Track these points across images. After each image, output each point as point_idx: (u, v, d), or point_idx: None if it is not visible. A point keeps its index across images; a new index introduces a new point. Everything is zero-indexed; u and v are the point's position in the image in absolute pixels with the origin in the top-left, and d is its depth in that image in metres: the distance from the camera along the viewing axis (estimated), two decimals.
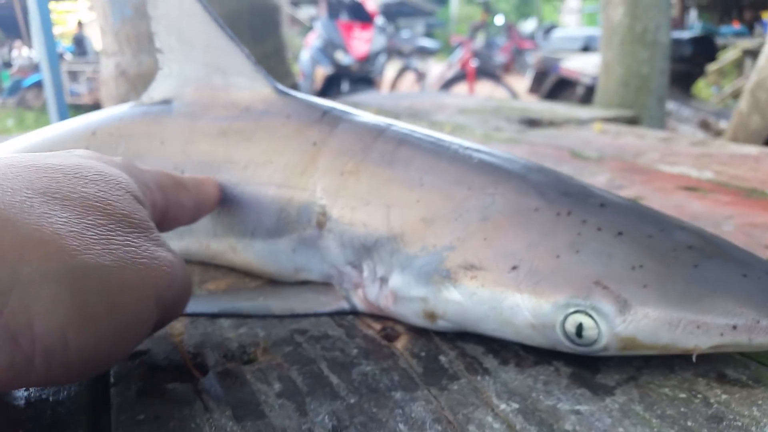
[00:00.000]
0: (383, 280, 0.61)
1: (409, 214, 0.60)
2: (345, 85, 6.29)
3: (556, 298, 0.51)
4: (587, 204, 0.55)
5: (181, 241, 0.78)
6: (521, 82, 7.43)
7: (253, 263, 0.73)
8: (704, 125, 4.15)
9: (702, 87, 6.95)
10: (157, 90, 0.80)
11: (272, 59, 3.54)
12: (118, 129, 0.80)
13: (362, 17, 6.72)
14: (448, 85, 6.92)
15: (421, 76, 8.12)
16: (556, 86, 4.99)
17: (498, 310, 0.53)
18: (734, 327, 0.46)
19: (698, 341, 0.47)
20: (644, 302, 0.48)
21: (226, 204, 0.71)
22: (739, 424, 0.45)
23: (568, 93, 4.65)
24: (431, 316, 0.58)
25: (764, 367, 0.52)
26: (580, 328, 0.50)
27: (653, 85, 2.68)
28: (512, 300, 0.52)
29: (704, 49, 4.46)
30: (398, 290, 0.59)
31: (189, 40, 0.76)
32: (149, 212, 0.49)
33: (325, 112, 0.70)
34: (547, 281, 0.51)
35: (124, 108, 0.84)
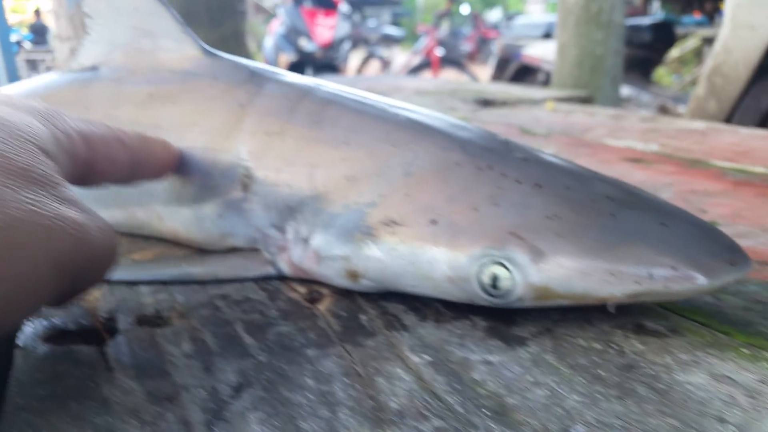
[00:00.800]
0: (306, 241, 0.59)
1: (333, 173, 0.58)
2: (309, 73, 6.24)
3: (471, 250, 0.49)
4: (508, 158, 0.54)
5: (107, 211, 0.75)
6: (486, 71, 7.45)
7: (180, 231, 0.71)
8: (663, 110, 4.19)
9: (663, 75, 7.04)
10: (86, 56, 0.77)
11: (231, 43, 3.49)
12: (44, 97, 0.77)
13: (326, 4, 6.65)
14: (413, 72, 6.91)
15: (386, 64, 8.10)
16: (519, 73, 5.00)
17: (417, 265, 0.52)
18: (650, 275, 0.45)
19: (613, 290, 0.46)
20: (558, 251, 0.47)
21: None
22: (651, 371, 0.44)
23: (530, 80, 4.66)
24: (353, 275, 0.56)
25: (683, 318, 0.52)
26: (495, 279, 0.49)
27: (607, 65, 2.69)
28: (430, 254, 0.51)
29: (663, 35, 4.51)
30: (320, 250, 0.57)
31: (116, 4, 0.73)
32: (66, 165, 0.44)
33: (253, 73, 0.68)
34: (464, 234, 0.50)
35: (51, 76, 0.81)
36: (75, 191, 0.44)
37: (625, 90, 4.36)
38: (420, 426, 0.39)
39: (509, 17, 6.45)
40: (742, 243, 0.69)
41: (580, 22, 2.65)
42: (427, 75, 6.92)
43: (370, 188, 0.55)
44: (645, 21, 4.52)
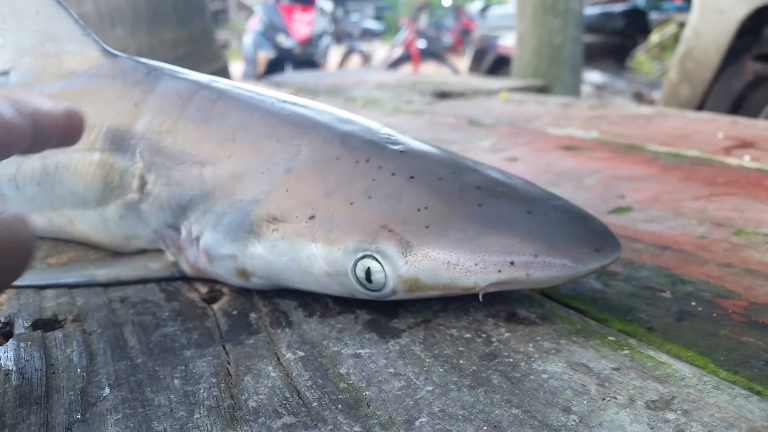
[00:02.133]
0: (198, 240, 0.59)
1: (221, 170, 0.58)
2: (288, 69, 6.21)
3: (345, 244, 0.49)
4: (386, 150, 0.54)
5: None
6: (467, 63, 7.43)
7: (89, 234, 0.71)
8: (638, 96, 4.20)
9: (644, 62, 7.05)
10: None
11: (200, 42, 3.46)
12: None
13: (303, 0, 6.63)
14: (393, 66, 6.89)
15: (366, 58, 8.08)
16: (495, 64, 5.00)
17: (297, 261, 0.52)
18: (511, 263, 0.45)
19: (477, 279, 0.46)
20: (424, 243, 0.47)
21: (59, 174, 0.68)
22: (511, 360, 0.44)
23: (507, 70, 4.65)
24: (243, 273, 0.56)
25: (561, 305, 0.52)
26: (368, 272, 0.49)
27: (566, 54, 2.69)
28: (308, 249, 0.51)
29: (636, 21, 4.51)
30: (210, 249, 0.57)
31: (20, 9, 0.73)
32: None
33: (149, 71, 0.68)
34: (339, 228, 0.50)
35: None
36: None
37: (600, 77, 4.36)
38: (271, 423, 0.40)
39: (484, 8, 6.42)
40: (651, 227, 0.70)
41: (538, 11, 2.65)
42: (407, 68, 6.91)
43: (254, 185, 0.55)
44: (617, 8, 4.52)
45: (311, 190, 0.53)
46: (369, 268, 0.49)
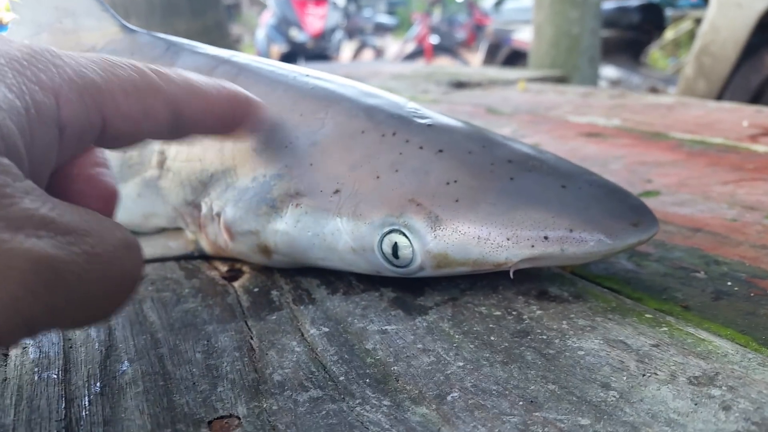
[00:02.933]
0: (219, 217, 0.58)
1: (242, 145, 0.57)
2: (301, 63, 6.20)
3: (372, 219, 0.48)
4: (413, 124, 0.52)
5: None
6: (480, 58, 7.39)
7: None
8: (653, 92, 4.15)
9: (659, 58, 7.00)
10: (14, 38, 0.76)
11: (213, 33, 3.46)
12: None
13: None
14: (406, 60, 6.87)
15: (379, 53, 8.06)
16: (510, 58, 4.96)
17: (321, 237, 0.51)
18: (546, 238, 0.44)
19: (508, 254, 0.44)
20: (454, 217, 0.45)
21: None
22: (544, 337, 0.43)
23: (522, 64, 4.62)
24: (265, 250, 0.55)
25: (593, 284, 0.51)
26: (395, 248, 0.47)
27: (584, 45, 2.65)
28: (333, 224, 0.50)
29: (652, 16, 4.46)
30: (232, 225, 0.56)
31: None
32: (46, 143, 0.29)
33: (168, 47, 0.66)
34: (366, 202, 0.49)
35: None
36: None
37: (615, 72, 4.33)
38: (297, 396, 0.38)
39: (498, 2, 6.38)
40: (681, 210, 0.68)
41: (556, 2, 2.61)
42: (420, 63, 6.88)
43: (277, 159, 0.54)
44: (633, 3, 4.48)
45: (336, 164, 0.51)
46: (396, 243, 0.47)
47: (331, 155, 0.52)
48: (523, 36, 4.77)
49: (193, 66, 0.63)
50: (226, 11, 3.55)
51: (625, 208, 0.45)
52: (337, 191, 0.50)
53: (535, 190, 0.46)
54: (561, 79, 2.02)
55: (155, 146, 0.62)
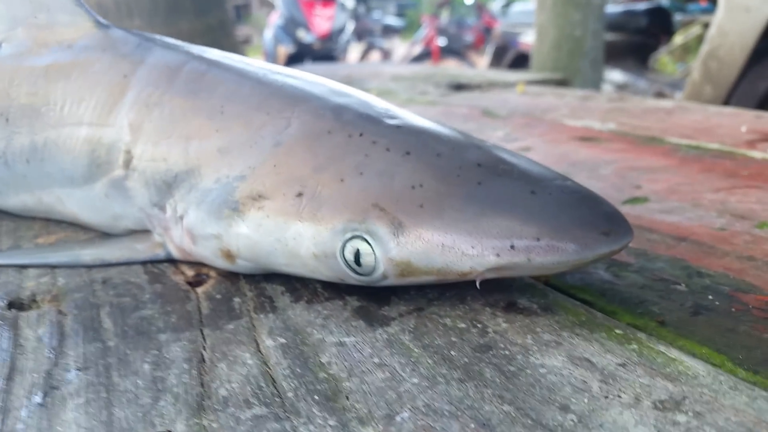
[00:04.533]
0: (182, 219, 0.56)
1: (207, 145, 0.55)
2: (308, 64, 6.18)
3: (334, 224, 0.46)
4: (382, 125, 0.50)
5: (17, 196, 0.73)
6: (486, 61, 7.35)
7: (78, 214, 0.68)
8: (659, 96, 4.10)
9: (667, 63, 6.95)
10: None
11: (217, 32, 3.45)
12: None
13: None
14: (414, 62, 6.83)
15: (386, 55, 8.03)
16: (516, 61, 4.93)
17: (283, 242, 0.49)
18: (512, 247, 0.41)
19: (473, 263, 0.42)
20: (418, 223, 0.43)
21: (48, 151, 0.66)
22: (506, 353, 0.40)
23: (528, 68, 4.59)
24: (228, 255, 0.53)
25: (564, 296, 0.48)
26: (357, 254, 0.45)
27: (586, 47, 2.62)
28: (295, 229, 0.48)
29: (659, 20, 4.42)
30: (194, 228, 0.54)
31: None
32: None
33: (140, 43, 0.65)
34: (328, 207, 0.47)
35: None
36: None
37: (621, 76, 4.28)
38: (240, 414, 0.36)
39: (506, 4, 6.35)
40: (668, 218, 0.66)
41: (558, 3, 2.58)
42: (425, 65, 6.84)
43: (240, 160, 0.52)
44: (640, 6, 4.43)
45: (299, 165, 0.49)
46: (358, 249, 0.45)
47: (295, 156, 0.50)
48: (530, 39, 4.73)
49: (164, 62, 0.62)
50: (234, 11, 3.54)
51: (597, 216, 0.43)
52: (299, 194, 0.48)
53: (502, 196, 0.43)
54: (562, 82, 1.99)
55: (121, 145, 0.60)
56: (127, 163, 0.59)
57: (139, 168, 0.58)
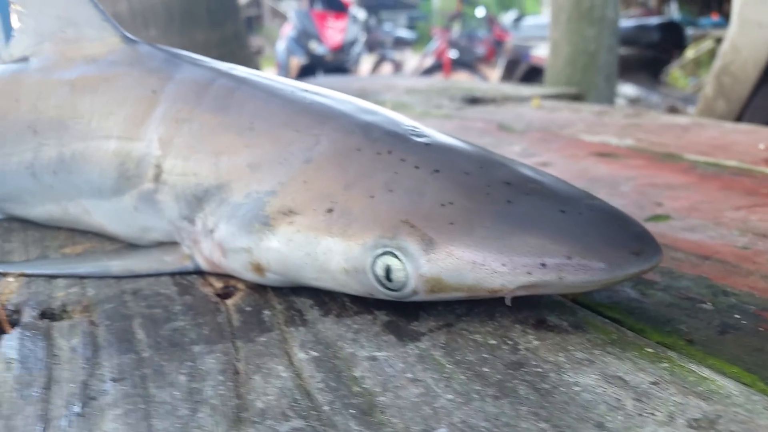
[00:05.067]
0: (213, 233, 0.56)
1: (237, 160, 0.56)
2: (320, 75, 6.22)
3: (364, 240, 0.47)
4: (410, 143, 0.51)
5: (43, 206, 0.74)
6: (498, 74, 7.36)
7: (105, 225, 0.69)
8: (672, 111, 4.10)
9: (678, 77, 6.95)
10: (17, 47, 0.76)
11: (232, 44, 3.48)
12: None
13: (336, 7, 6.63)
14: (424, 75, 6.86)
15: (397, 67, 8.06)
16: (528, 74, 4.94)
17: (313, 256, 0.49)
18: (543, 265, 0.42)
19: (504, 280, 0.43)
20: (448, 240, 0.44)
21: (75, 163, 0.67)
22: (539, 370, 0.41)
23: (540, 80, 4.59)
24: (258, 268, 0.54)
25: (595, 313, 0.49)
26: (388, 270, 0.46)
27: (601, 62, 2.62)
28: (325, 244, 0.48)
29: (672, 35, 4.42)
30: (224, 242, 0.55)
31: None
32: None
33: (167, 58, 0.66)
34: (358, 222, 0.47)
35: None
36: None
37: (634, 91, 4.28)
38: (278, 426, 0.37)
39: (518, 18, 6.37)
40: (691, 236, 0.66)
41: (572, 19, 2.59)
42: (438, 77, 6.87)
43: (271, 176, 0.53)
44: (653, 21, 4.44)
45: (330, 182, 0.50)
46: (389, 265, 0.46)
47: (325, 173, 0.51)
48: (542, 52, 4.75)
49: (192, 78, 0.63)
50: (247, 23, 3.57)
51: (627, 235, 0.43)
52: (330, 210, 0.49)
53: (533, 214, 0.44)
54: (576, 97, 2.00)
55: (151, 159, 0.61)
56: (157, 177, 0.60)
57: (170, 182, 0.59)
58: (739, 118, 3.04)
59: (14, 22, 0.75)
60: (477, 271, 0.43)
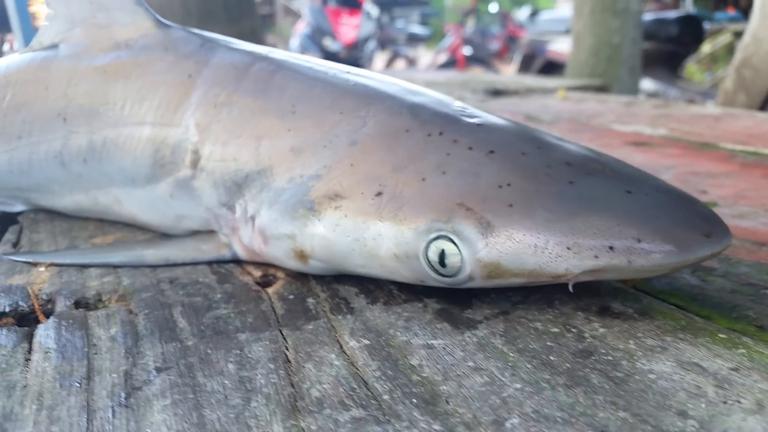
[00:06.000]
0: (254, 219, 0.55)
1: (279, 144, 0.54)
2: None
3: (417, 224, 0.44)
4: (461, 123, 0.49)
5: (71, 196, 0.72)
6: (513, 69, 7.32)
7: (137, 215, 0.68)
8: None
9: (695, 72, 6.88)
10: (46, 34, 0.74)
11: (248, 40, 3.43)
12: (5, 77, 0.75)
13: (350, 3, 6.61)
14: (439, 71, 6.82)
15: (411, 63, 8.04)
16: (544, 69, 4.89)
17: (362, 242, 0.47)
18: (611, 248, 0.40)
19: (569, 265, 0.41)
20: (508, 223, 0.42)
21: (106, 151, 0.65)
22: (610, 358, 0.39)
23: (556, 75, 4.56)
24: (301, 255, 0.52)
25: (658, 300, 0.46)
26: (442, 255, 0.44)
27: (625, 54, 2.59)
28: (375, 229, 0.47)
29: (691, 28, 4.37)
30: (266, 228, 0.53)
31: None
32: None
33: (203, 43, 0.64)
34: (410, 206, 0.45)
35: (14, 56, 0.79)
36: None
37: (652, 85, 4.24)
38: (338, 416, 0.35)
39: (533, 13, 6.33)
40: (742, 223, 0.64)
41: (596, 10, 2.55)
42: (453, 73, 6.82)
43: (315, 160, 0.51)
44: (671, 15, 4.38)
45: (378, 164, 0.48)
46: (443, 250, 0.44)
47: (373, 155, 0.49)
48: (558, 47, 4.71)
49: (229, 62, 0.61)
50: (261, 20, 3.56)
51: (696, 217, 0.41)
52: (379, 194, 0.47)
53: (597, 195, 0.42)
54: (601, 89, 1.97)
55: (188, 145, 0.59)
56: (195, 163, 0.59)
57: (208, 168, 0.58)
58: (760, 111, 2.99)
59: (41, 11, 0.73)
60: (539, 255, 0.41)
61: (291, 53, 0.63)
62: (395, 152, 0.48)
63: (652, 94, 4.14)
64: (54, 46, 0.73)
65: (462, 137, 0.47)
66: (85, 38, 0.71)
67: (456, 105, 0.53)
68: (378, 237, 0.46)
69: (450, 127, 0.48)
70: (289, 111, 0.54)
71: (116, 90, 0.65)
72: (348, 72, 0.57)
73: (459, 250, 0.43)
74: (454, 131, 0.48)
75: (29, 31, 3.50)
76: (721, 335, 0.41)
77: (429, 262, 0.45)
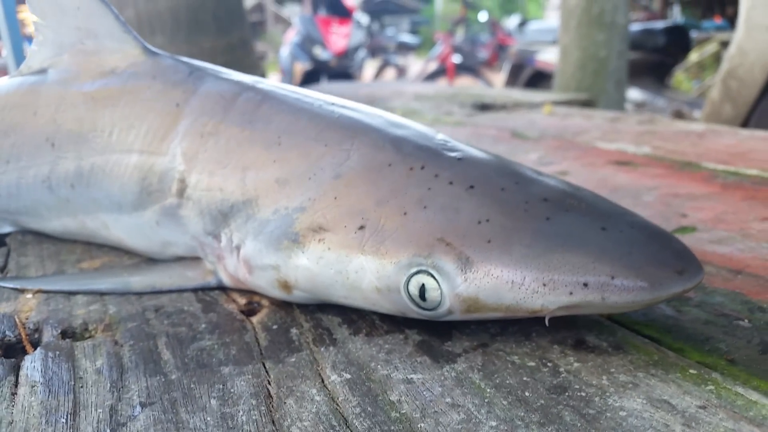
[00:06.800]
0: (239, 249, 0.55)
1: (265, 175, 0.55)
2: (324, 81, 6.21)
3: (398, 258, 0.46)
4: (442, 157, 0.50)
5: (59, 219, 0.73)
6: (502, 78, 7.35)
7: (124, 240, 0.68)
8: (678, 115, 4.08)
9: (683, 81, 6.93)
10: (35, 59, 0.75)
11: (238, 51, 3.47)
12: None
13: (341, 12, 6.63)
14: (428, 79, 6.85)
15: (401, 72, 8.05)
16: (533, 79, 4.92)
17: (344, 274, 0.48)
18: (585, 284, 0.41)
19: (544, 301, 0.42)
20: (486, 259, 0.43)
21: (94, 176, 0.66)
22: (583, 394, 0.40)
23: (545, 85, 4.58)
24: (285, 285, 0.53)
25: (633, 333, 0.48)
26: (423, 289, 0.45)
27: (611, 67, 2.61)
28: (357, 262, 0.47)
29: (678, 39, 4.41)
30: (251, 259, 0.54)
31: (60, 5, 0.71)
32: None
33: (191, 71, 0.65)
34: (392, 240, 0.46)
35: (2, 79, 0.79)
36: None
37: (640, 95, 4.27)
38: None
39: (522, 23, 6.36)
40: (719, 249, 0.65)
41: (582, 24, 2.58)
42: (442, 82, 6.85)
43: (299, 192, 0.52)
44: (658, 25, 4.42)
45: (361, 198, 0.49)
46: (424, 284, 0.45)
47: (356, 188, 0.50)
48: (547, 57, 4.74)
49: (217, 91, 0.62)
50: (251, 29, 3.57)
51: (669, 253, 0.42)
52: (361, 227, 0.48)
53: (573, 232, 0.43)
54: (587, 103, 1.99)
55: (175, 174, 0.60)
56: (181, 192, 0.59)
57: (194, 197, 0.58)
58: (746, 121, 3.02)
59: (30, 17, 0.74)
60: (516, 290, 0.42)
61: (278, 83, 0.64)
62: (378, 186, 0.49)
63: (640, 104, 4.17)
64: (42, 71, 0.73)
65: (443, 171, 0.48)
66: (74, 64, 0.72)
67: (438, 138, 0.54)
68: (360, 270, 0.47)
69: (431, 162, 0.49)
70: (275, 142, 0.55)
71: (104, 117, 0.66)
72: (333, 103, 0.58)
73: (439, 285, 0.44)
74: (436, 165, 0.49)
75: (17, 38, 3.49)
76: (691, 371, 0.42)
77: (410, 295, 0.46)
